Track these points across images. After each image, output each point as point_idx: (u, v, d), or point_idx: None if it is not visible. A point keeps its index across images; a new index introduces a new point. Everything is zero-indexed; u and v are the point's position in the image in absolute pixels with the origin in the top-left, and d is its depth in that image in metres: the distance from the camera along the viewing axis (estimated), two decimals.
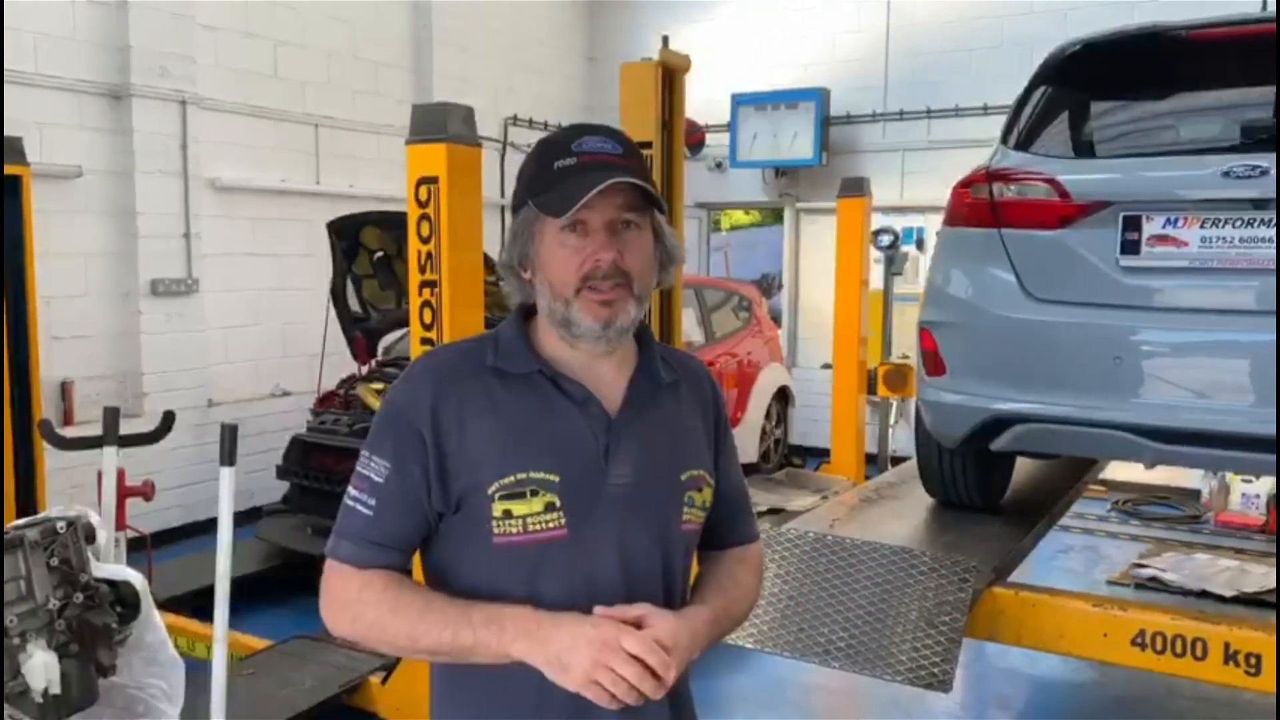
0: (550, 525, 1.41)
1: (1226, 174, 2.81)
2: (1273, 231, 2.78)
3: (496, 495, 1.40)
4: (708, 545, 1.62)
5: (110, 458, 4.10)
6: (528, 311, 1.53)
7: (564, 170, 1.41)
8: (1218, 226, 2.87)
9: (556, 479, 1.42)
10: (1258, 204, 2.80)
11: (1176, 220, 2.92)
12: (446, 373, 1.48)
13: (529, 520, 1.41)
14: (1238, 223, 2.83)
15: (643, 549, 1.47)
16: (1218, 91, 3.34)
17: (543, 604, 1.40)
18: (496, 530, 1.41)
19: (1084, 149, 3.33)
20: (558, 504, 1.41)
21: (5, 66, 5.44)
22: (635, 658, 1.33)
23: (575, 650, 1.33)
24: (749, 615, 1.69)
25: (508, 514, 1.40)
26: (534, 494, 1.41)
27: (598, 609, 1.39)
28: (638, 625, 1.37)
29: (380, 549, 1.44)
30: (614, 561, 1.44)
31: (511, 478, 1.41)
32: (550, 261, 1.44)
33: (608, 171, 1.39)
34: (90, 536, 2.65)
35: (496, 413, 1.44)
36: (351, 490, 1.46)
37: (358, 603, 1.42)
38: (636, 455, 1.47)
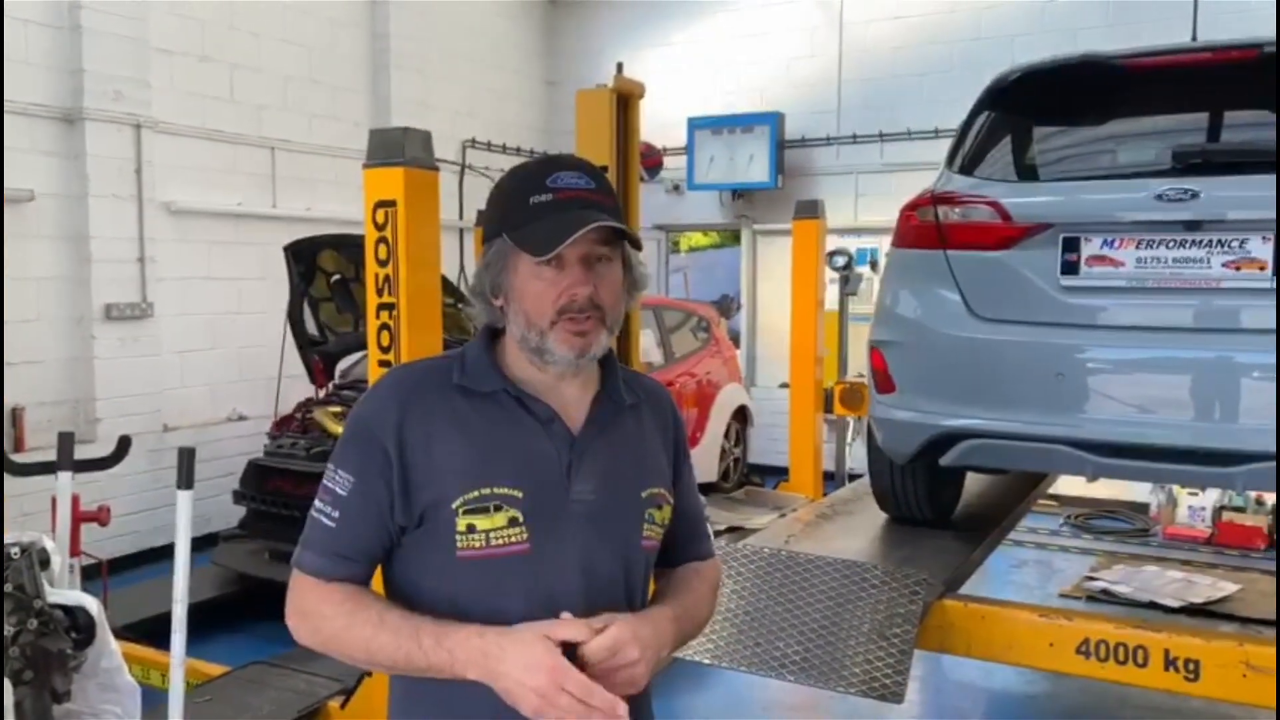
0: (513, 540, 1.44)
1: (1159, 197, 2.90)
2: (1202, 252, 2.89)
3: (461, 510, 1.43)
4: (665, 563, 1.66)
5: (65, 483, 4.06)
6: (494, 332, 1.56)
7: (540, 206, 1.44)
8: (1152, 248, 2.97)
9: (520, 495, 1.45)
10: (1189, 226, 2.90)
11: (1113, 241, 3.02)
12: (413, 388, 1.51)
13: (492, 535, 1.43)
14: (1170, 244, 2.94)
15: (604, 564, 1.50)
16: (1152, 118, 3.46)
17: (504, 618, 1.42)
18: (460, 544, 1.44)
19: (1026, 173, 3.43)
20: (521, 519, 1.44)
21: None
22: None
23: (521, 691, 1.34)
24: (708, 623, 1.73)
25: (471, 528, 1.43)
26: (497, 509, 1.44)
27: (564, 615, 1.40)
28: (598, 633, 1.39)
29: (342, 560, 1.47)
30: (575, 576, 1.47)
31: (475, 492, 1.43)
32: (525, 294, 1.47)
33: (585, 210, 1.43)
34: (44, 562, 2.64)
35: (462, 429, 1.47)
36: (317, 502, 1.49)
37: (317, 614, 1.46)
38: (599, 473, 1.50)
